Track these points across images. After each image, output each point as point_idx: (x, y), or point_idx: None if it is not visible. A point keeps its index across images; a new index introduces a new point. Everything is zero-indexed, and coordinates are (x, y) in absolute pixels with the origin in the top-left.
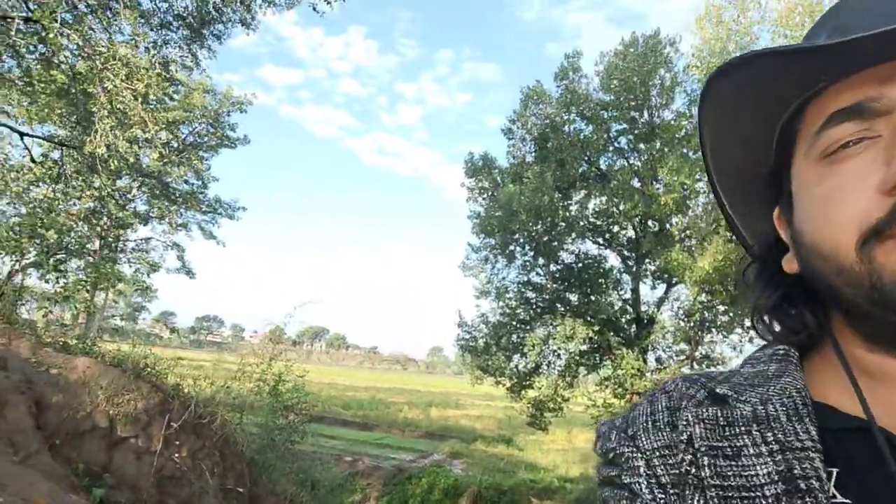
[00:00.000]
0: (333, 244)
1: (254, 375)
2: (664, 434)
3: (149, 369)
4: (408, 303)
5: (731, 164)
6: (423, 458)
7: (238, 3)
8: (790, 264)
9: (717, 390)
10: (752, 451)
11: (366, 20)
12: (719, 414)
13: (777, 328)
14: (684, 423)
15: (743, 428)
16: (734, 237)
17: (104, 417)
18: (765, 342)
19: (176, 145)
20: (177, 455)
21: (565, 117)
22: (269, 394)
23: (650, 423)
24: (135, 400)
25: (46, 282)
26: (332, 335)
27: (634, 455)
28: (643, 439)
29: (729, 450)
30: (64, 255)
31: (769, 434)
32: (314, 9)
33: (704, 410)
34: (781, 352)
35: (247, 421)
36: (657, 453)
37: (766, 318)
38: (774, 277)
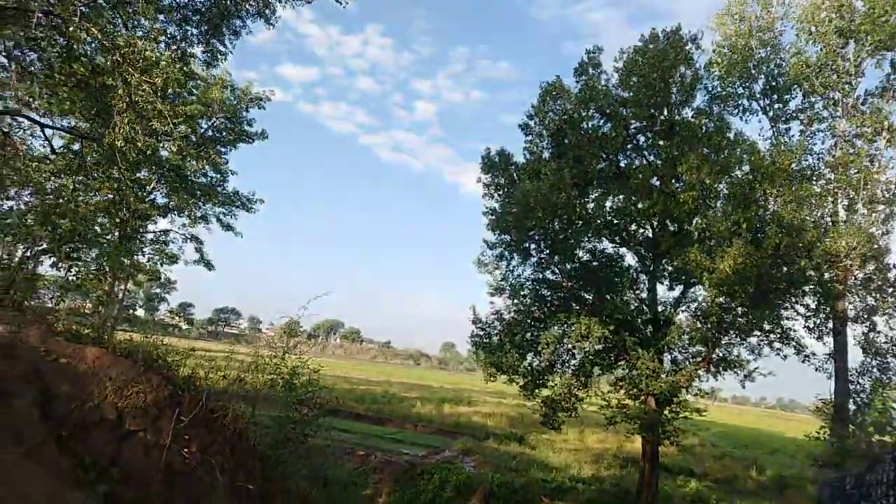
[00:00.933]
0: (350, 239)
1: (267, 369)
2: None
3: (160, 361)
4: (422, 298)
5: None
6: (435, 454)
7: None
8: None
9: None
10: None
11: (382, 18)
12: None
13: None
14: None
15: None
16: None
17: (112, 409)
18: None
19: (194, 139)
20: (186, 450)
21: (583, 113)
22: (283, 387)
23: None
24: (144, 392)
25: (58, 270)
26: (346, 329)
27: None
28: None
29: None
30: (76, 244)
31: None
32: (337, 0)
33: None
34: None
35: (260, 414)
36: None
37: None
38: None
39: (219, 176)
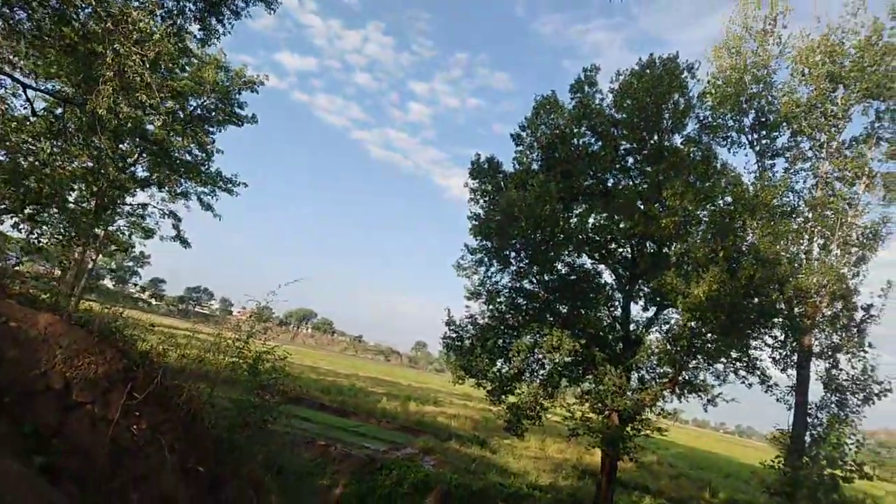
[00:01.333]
0: (332, 229)
1: (229, 351)
2: None
3: (116, 333)
4: (397, 295)
5: None
6: (396, 450)
7: None
8: None
9: None
10: None
11: (385, 16)
12: None
13: None
14: None
15: None
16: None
17: (60, 379)
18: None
19: (182, 115)
20: (135, 426)
21: (576, 130)
22: (245, 371)
23: None
24: (96, 363)
25: (20, 231)
26: (319, 319)
27: None
28: None
29: None
30: (42, 207)
31: None
32: None
33: None
34: None
35: (219, 396)
36: None
37: None
38: None
39: (203, 155)
